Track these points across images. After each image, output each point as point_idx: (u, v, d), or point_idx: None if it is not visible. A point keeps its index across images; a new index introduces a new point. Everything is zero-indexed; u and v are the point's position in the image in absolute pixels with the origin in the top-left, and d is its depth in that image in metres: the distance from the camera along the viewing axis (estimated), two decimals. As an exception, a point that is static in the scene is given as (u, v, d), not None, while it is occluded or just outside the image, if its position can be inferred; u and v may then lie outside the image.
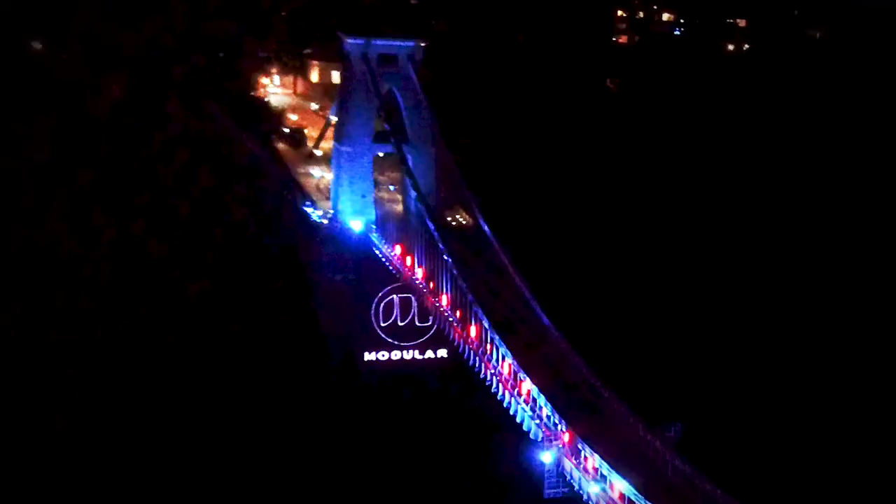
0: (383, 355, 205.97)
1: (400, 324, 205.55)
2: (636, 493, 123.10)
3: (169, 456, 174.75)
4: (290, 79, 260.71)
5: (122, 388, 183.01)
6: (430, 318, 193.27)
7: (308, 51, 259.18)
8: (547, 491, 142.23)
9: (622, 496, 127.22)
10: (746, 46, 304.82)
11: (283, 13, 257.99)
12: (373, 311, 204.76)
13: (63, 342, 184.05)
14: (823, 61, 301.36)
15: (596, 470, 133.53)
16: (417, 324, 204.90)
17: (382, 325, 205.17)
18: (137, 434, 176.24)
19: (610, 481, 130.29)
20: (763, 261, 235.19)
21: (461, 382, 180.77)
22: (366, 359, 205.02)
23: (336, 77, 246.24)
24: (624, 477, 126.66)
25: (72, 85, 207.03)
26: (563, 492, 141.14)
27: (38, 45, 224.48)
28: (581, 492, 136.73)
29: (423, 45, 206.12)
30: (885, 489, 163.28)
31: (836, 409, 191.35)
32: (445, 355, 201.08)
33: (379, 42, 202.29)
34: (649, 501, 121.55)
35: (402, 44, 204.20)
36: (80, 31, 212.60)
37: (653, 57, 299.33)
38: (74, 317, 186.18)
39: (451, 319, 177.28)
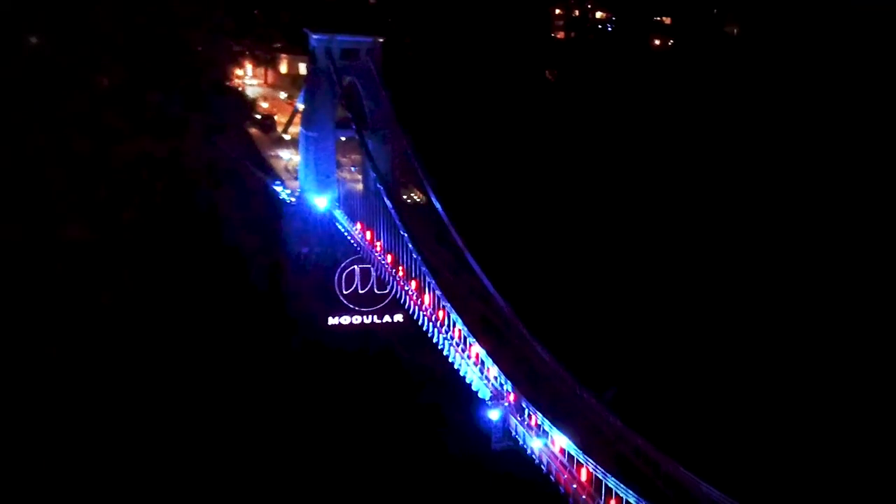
0: (345, 319, 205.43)
1: (360, 291, 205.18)
2: (575, 447, 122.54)
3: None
4: (261, 70, 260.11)
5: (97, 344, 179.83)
6: (388, 286, 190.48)
7: (278, 45, 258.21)
8: (494, 444, 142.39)
9: (562, 450, 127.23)
10: (671, 42, 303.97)
11: (255, 12, 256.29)
12: (336, 280, 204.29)
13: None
14: (738, 54, 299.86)
15: (538, 426, 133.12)
16: (376, 291, 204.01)
17: (345, 292, 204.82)
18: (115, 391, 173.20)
19: (551, 437, 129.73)
20: (694, 227, 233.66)
21: (416, 345, 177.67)
22: (330, 323, 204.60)
23: (303, 69, 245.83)
24: (564, 433, 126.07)
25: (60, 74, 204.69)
26: (508, 445, 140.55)
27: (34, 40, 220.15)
28: (525, 446, 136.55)
29: (380, 40, 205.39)
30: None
31: (758, 371, 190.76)
32: (401, 320, 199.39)
33: (341, 38, 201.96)
34: (586, 455, 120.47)
35: (362, 40, 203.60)
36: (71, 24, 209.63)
37: (587, 51, 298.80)
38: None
39: (406, 288, 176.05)
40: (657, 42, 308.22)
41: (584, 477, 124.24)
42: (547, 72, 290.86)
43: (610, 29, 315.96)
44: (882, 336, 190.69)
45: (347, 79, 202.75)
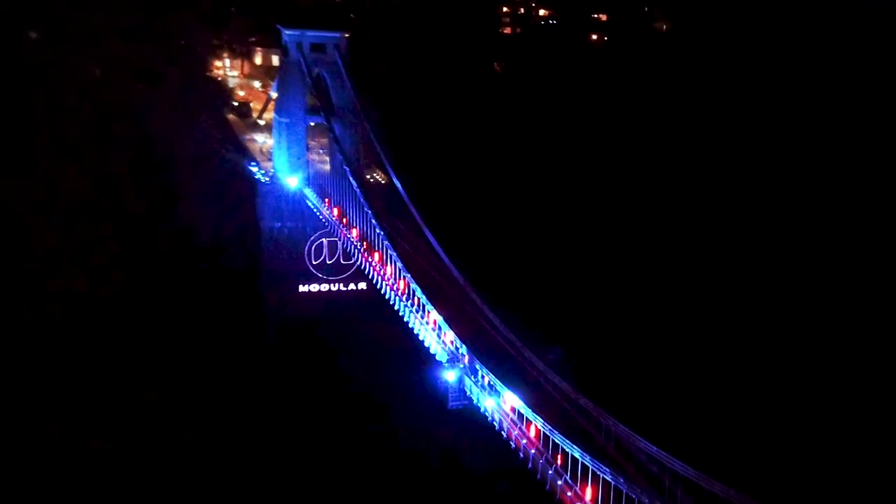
0: (314, 287, 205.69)
1: (328, 262, 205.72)
2: (524, 405, 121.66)
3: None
4: (238, 62, 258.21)
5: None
6: (353, 258, 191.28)
7: (252, 39, 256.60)
8: (451, 403, 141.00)
9: (513, 408, 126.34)
10: (606, 37, 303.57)
11: (232, 9, 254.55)
12: (306, 252, 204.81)
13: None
14: (667, 48, 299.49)
15: (491, 386, 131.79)
16: (342, 262, 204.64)
17: (314, 263, 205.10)
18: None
19: (503, 396, 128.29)
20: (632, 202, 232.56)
21: (378, 311, 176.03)
22: (300, 290, 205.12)
23: (275, 61, 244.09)
24: (514, 392, 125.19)
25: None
26: (464, 404, 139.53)
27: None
28: (479, 404, 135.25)
29: (346, 36, 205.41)
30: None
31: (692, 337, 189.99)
32: (364, 288, 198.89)
33: (311, 33, 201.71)
34: (534, 412, 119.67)
35: (329, 35, 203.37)
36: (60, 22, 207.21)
37: (531, 45, 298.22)
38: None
39: (370, 260, 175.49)
40: (594, 37, 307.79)
41: (532, 433, 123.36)
42: (495, 64, 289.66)
43: (553, 23, 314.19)
44: (854, 330, 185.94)
45: (316, 70, 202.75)
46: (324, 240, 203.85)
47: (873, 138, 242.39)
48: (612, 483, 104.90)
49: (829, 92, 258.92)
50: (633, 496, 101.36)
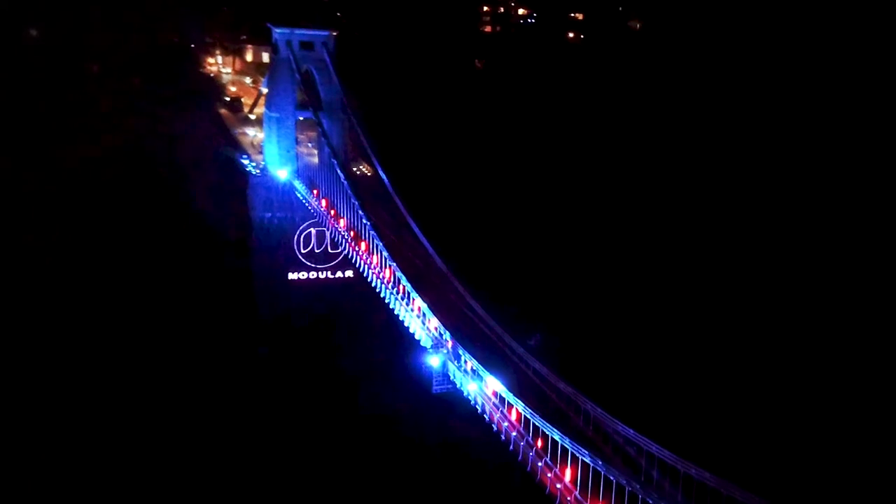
0: (303, 275, 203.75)
1: (316, 251, 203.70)
2: (506, 389, 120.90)
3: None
4: (230, 59, 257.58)
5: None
6: (340, 247, 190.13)
7: (244, 37, 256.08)
8: (435, 387, 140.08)
9: (495, 392, 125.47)
10: (583, 35, 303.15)
11: (224, 9, 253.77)
12: (295, 241, 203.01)
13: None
14: (640, 46, 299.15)
15: (474, 371, 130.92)
16: (330, 251, 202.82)
17: (303, 251, 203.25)
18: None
19: (485, 380, 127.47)
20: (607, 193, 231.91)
21: (364, 298, 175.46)
22: (290, 277, 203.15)
23: (265, 57, 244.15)
24: (496, 376, 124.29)
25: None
26: (447, 388, 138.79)
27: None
28: (462, 389, 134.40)
29: (334, 34, 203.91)
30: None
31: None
32: (351, 275, 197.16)
33: (300, 32, 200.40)
34: (515, 396, 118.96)
35: (317, 33, 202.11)
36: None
37: (510, 43, 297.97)
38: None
39: (357, 249, 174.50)
40: (571, 35, 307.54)
41: (514, 416, 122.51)
42: (476, 60, 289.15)
43: (531, 22, 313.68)
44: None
45: (305, 67, 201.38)
46: (312, 229, 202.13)
47: (844, 129, 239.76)
48: (591, 465, 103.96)
49: (804, 86, 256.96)
50: (612, 478, 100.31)
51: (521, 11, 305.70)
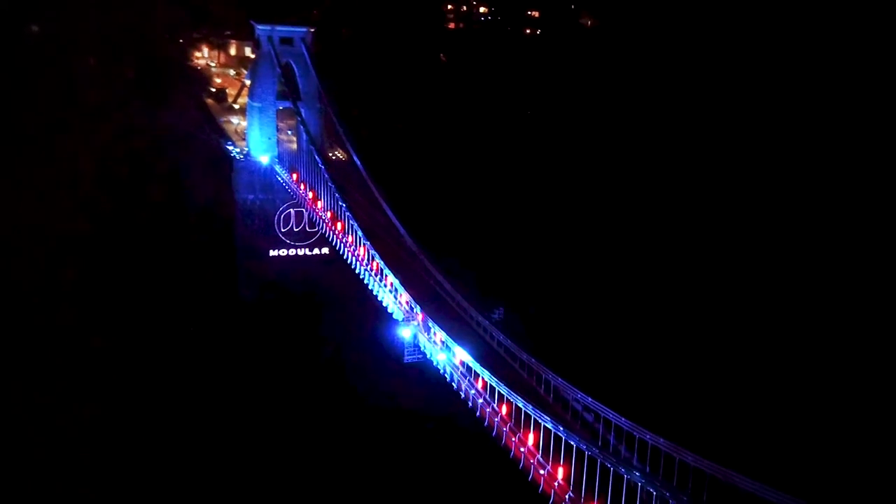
0: (283, 252, 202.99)
1: (295, 230, 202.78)
2: (473, 359, 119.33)
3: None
4: (215, 52, 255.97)
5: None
6: (317, 226, 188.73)
7: (228, 33, 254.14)
8: (406, 358, 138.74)
9: (462, 362, 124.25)
10: (539, 31, 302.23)
11: (210, 6, 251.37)
12: (276, 221, 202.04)
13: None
14: (591, 42, 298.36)
15: (443, 342, 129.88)
16: (307, 230, 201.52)
17: (282, 230, 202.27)
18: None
19: (453, 351, 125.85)
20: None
21: (340, 274, 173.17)
22: (271, 254, 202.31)
23: (248, 51, 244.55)
24: (463, 347, 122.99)
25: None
26: (418, 358, 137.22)
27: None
28: (432, 359, 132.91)
29: (312, 30, 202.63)
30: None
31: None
32: (327, 252, 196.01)
33: (280, 28, 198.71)
34: (481, 366, 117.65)
35: (297, 30, 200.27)
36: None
37: (472, 38, 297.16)
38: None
39: (333, 228, 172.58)
40: (528, 31, 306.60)
41: (480, 385, 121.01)
42: (441, 55, 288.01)
43: (491, 19, 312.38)
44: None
45: (285, 60, 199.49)
46: (291, 210, 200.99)
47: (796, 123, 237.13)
48: (553, 430, 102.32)
49: (747, 79, 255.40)
50: (572, 442, 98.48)
51: (482, 10, 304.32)
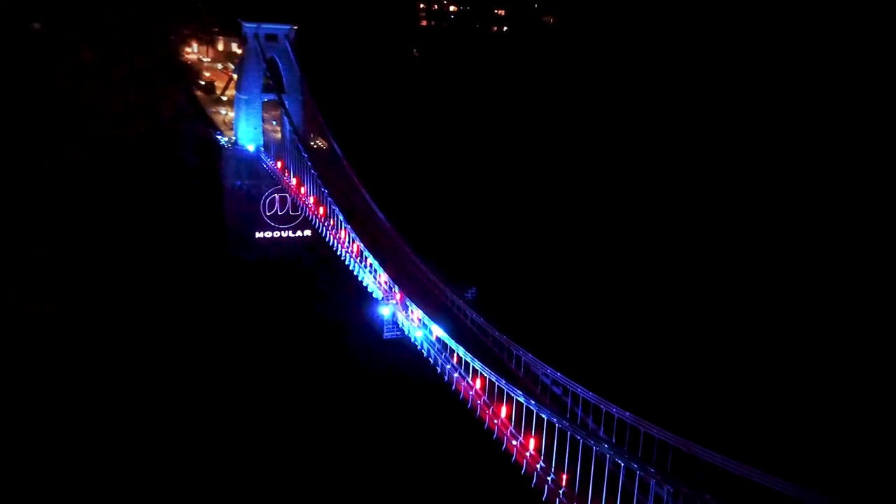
0: (268, 234, 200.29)
1: (279, 213, 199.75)
2: (448, 336, 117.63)
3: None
4: (204, 48, 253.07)
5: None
6: (299, 209, 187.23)
7: (215, 30, 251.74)
8: (385, 334, 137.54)
9: (437, 338, 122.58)
10: (505, 28, 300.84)
11: (199, 4, 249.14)
12: (261, 205, 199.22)
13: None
14: (552, 39, 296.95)
15: (419, 320, 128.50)
16: (291, 213, 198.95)
17: (267, 214, 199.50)
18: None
19: (429, 328, 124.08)
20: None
21: (321, 254, 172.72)
22: (257, 236, 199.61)
23: (234, 47, 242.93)
24: (439, 325, 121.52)
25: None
26: (396, 335, 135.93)
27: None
28: (409, 335, 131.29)
29: (295, 28, 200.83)
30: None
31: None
32: (309, 234, 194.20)
33: (266, 26, 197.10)
34: (457, 342, 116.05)
35: (281, 27, 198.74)
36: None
37: (443, 35, 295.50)
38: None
39: (316, 212, 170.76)
40: (495, 28, 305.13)
41: (455, 359, 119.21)
42: (414, 50, 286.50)
43: (461, 17, 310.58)
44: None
45: (270, 56, 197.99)
46: (276, 195, 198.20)
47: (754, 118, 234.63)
48: (525, 403, 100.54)
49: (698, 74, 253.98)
50: (544, 415, 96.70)
51: (452, 8, 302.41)
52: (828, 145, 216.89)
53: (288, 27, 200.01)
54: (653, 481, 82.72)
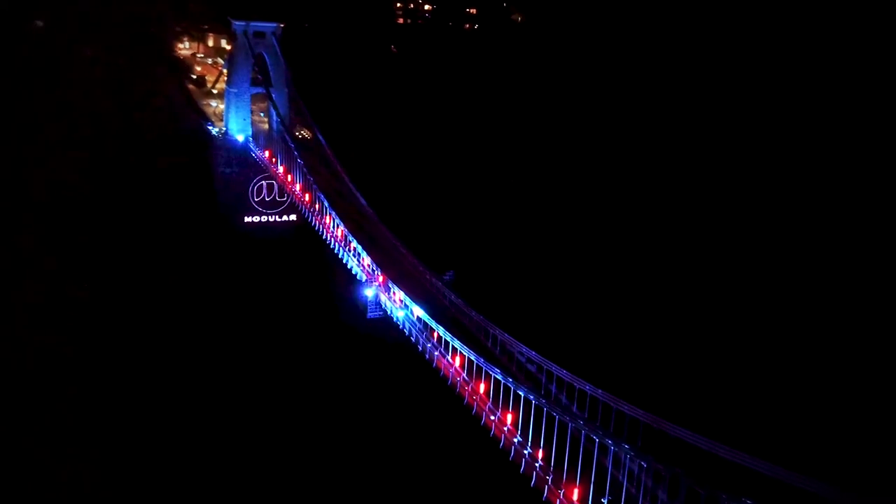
0: (256, 218, 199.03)
1: (266, 199, 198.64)
2: (428, 316, 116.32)
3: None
4: (195, 44, 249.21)
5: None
6: (285, 195, 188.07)
7: (206, 27, 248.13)
8: (369, 314, 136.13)
9: (418, 318, 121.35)
10: (476, 25, 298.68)
11: (191, 4, 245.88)
12: (250, 191, 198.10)
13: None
14: (520, 36, 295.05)
15: (401, 301, 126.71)
16: (277, 199, 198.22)
17: (255, 199, 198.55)
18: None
19: (411, 308, 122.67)
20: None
21: (307, 238, 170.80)
22: (245, 221, 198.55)
23: (223, 43, 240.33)
24: (419, 305, 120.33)
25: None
26: (379, 315, 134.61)
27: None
28: (392, 315, 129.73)
29: (281, 26, 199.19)
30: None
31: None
32: (294, 218, 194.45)
33: (254, 24, 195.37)
34: (437, 322, 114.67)
35: (268, 25, 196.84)
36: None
37: (419, 32, 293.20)
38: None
39: (302, 199, 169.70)
40: (467, 26, 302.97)
41: (435, 338, 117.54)
42: (392, 46, 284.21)
43: (435, 16, 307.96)
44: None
45: (258, 51, 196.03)
46: (263, 182, 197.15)
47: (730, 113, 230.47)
48: (502, 381, 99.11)
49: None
50: (521, 392, 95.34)
51: (426, 7, 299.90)
52: (824, 135, 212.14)
53: (275, 25, 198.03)
54: (626, 456, 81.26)
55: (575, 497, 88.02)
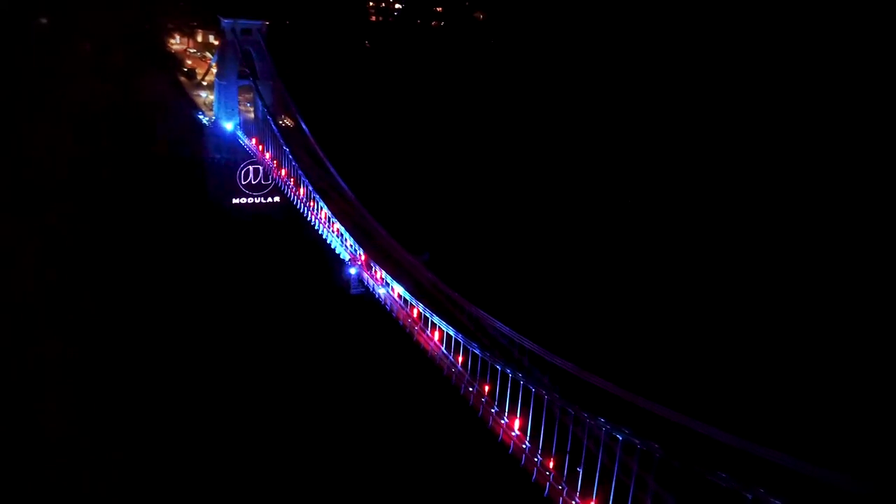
0: (243, 200, 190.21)
1: (253, 182, 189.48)
2: (407, 293, 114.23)
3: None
4: (185, 39, 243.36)
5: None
6: (270, 178, 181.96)
7: (194, 23, 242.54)
8: (352, 291, 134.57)
9: (399, 295, 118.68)
10: (442, 23, 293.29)
11: (181, 2, 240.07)
12: (238, 175, 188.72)
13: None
14: (481, 34, 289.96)
15: (382, 279, 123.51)
16: (263, 182, 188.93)
17: (243, 183, 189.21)
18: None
19: (391, 286, 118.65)
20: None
21: (291, 219, 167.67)
22: (233, 202, 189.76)
23: (212, 38, 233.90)
24: (399, 283, 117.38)
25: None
26: (362, 292, 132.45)
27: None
28: (374, 292, 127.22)
29: (266, 23, 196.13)
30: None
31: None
32: (279, 200, 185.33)
33: (241, 21, 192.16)
34: (415, 299, 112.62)
35: (255, 23, 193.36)
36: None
37: (390, 29, 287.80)
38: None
39: (287, 182, 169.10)
40: (434, 23, 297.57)
41: (415, 314, 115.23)
42: (366, 41, 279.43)
43: (404, 14, 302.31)
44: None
45: (245, 47, 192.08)
46: (250, 166, 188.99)
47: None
48: (480, 355, 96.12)
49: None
50: (498, 366, 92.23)
51: (397, 6, 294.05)
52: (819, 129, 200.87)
53: (260, 23, 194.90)
54: (603, 430, 77.11)
55: (551, 465, 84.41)
